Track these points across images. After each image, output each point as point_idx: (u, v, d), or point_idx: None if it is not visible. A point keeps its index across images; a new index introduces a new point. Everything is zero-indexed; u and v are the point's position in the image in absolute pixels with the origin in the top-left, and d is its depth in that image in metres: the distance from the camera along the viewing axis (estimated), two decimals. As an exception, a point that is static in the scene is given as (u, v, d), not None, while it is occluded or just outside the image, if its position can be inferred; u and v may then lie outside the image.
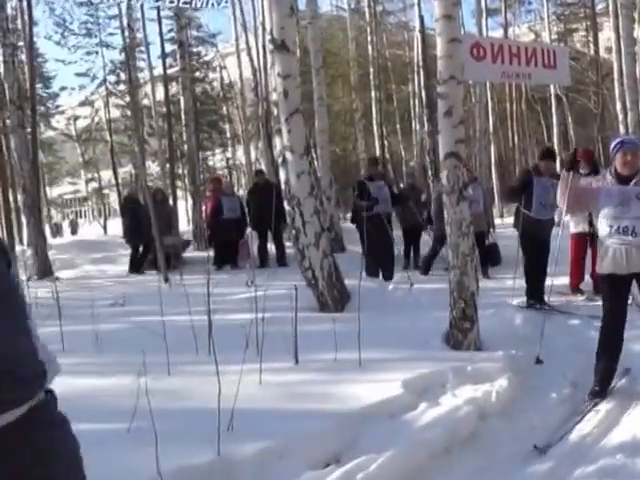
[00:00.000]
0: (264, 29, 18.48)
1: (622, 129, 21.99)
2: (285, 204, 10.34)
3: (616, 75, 22.63)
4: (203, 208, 19.06)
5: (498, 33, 32.88)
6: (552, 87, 31.07)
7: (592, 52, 40.80)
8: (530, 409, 6.04)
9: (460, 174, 7.68)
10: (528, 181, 10.74)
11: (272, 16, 9.87)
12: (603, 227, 6.47)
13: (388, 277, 13.11)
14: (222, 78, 35.47)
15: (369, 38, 32.09)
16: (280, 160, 10.49)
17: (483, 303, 8.91)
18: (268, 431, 5.01)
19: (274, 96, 10.37)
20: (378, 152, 31.56)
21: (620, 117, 22.29)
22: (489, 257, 14.16)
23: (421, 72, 26.70)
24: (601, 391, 6.41)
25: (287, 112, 9.85)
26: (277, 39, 9.81)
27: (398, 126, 37.13)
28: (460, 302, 7.70)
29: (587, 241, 11.05)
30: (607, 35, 34.86)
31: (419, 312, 9.42)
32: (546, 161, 10.95)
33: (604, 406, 6.16)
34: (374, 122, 31.74)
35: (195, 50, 35.42)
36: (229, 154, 37.21)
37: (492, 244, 14.82)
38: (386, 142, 34.59)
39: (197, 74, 35.18)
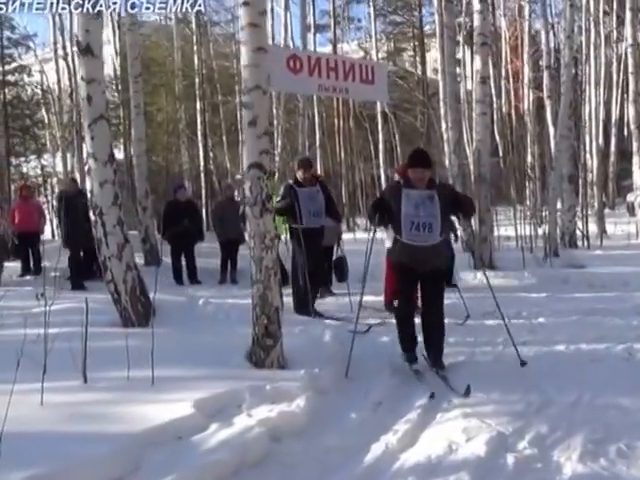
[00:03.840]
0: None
1: (447, 148, 22.71)
2: (91, 214, 9.90)
3: (441, 95, 23.28)
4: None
5: (327, 49, 33.22)
6: (379, 104, 31.64)
7: (419, 72, 41.94)
8: (327, 430, 5.87)
9: (263, 185, 7.43)
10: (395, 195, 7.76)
11: (78, 19, 9.50)
12: None
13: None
14: (42, 83, 34.37)
15: (195, 48, 31.79)
16: (86, 168, 10.07)
17: (292, 319, 8.81)
18: (43, 456, 4.72)
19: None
20: (202, 164, 31.36)
21: (445, 136, 22.98)
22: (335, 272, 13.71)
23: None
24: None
25: (90, 118, 9.45)
26: (82, 42, 9.46)
27: (224, 138, 36.97)
28: (263, 318, 7.45)
29: None
30: (434, 56, 35.95)
31: (226, 327, 9.24)
32: (414, 169, 7.74)
33: (402, 426, 6.04)
34: (198, 133, 31.44)
35: (7, 52, 34.19)
36: (45, 161, 36.00)
37: (340, 258, 13.90)
38: (211, 154, 34.35)
39: (9, 77, 34.02)
